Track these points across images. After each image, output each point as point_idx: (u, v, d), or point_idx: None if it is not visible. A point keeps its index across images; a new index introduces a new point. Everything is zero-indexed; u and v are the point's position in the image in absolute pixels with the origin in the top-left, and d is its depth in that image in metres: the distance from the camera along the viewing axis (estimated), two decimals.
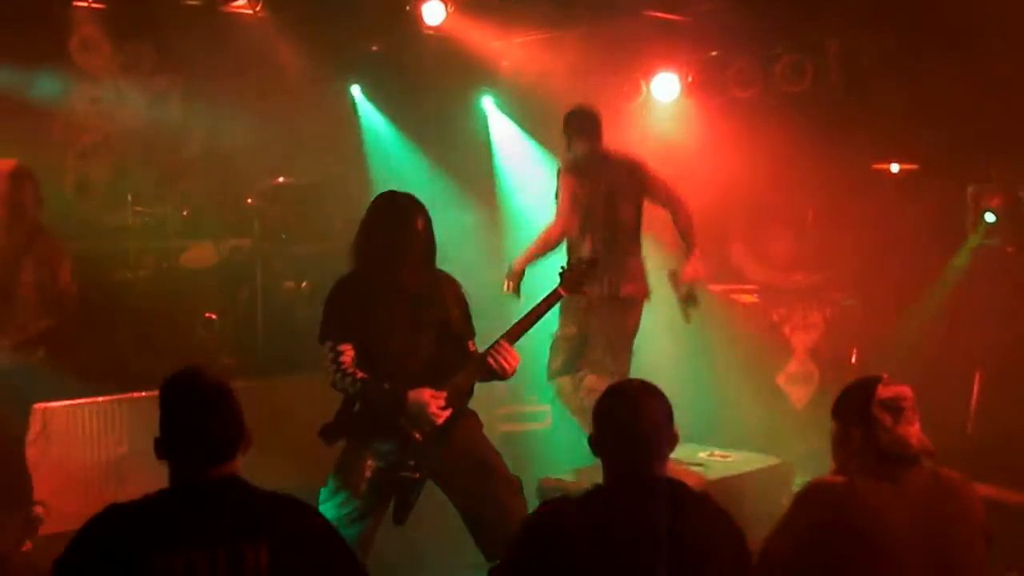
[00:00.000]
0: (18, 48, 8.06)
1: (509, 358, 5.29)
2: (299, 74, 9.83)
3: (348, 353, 5.23)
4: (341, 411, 5.36)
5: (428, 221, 5.38)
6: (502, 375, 5.34)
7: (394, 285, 5.32)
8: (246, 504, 3.25)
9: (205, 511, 3.19)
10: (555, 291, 5.49)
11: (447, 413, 5.25)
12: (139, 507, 3.19)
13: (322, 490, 5.27)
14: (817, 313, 8.44)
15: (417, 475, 5.22)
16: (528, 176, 10.19)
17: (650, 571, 3.14)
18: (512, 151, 10.64)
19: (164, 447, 3.28)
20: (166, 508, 3.19)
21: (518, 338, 5.39)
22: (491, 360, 5.28)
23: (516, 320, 5.46)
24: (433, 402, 5.21)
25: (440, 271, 5.53)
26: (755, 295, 8.48)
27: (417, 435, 5.22)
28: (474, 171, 10.39)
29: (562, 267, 5.57)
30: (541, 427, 9.21)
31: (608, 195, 7.43)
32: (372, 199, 5.49)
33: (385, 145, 10.61)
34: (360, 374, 5.21)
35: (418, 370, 5.31)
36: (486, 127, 10.79)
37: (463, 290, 5.58)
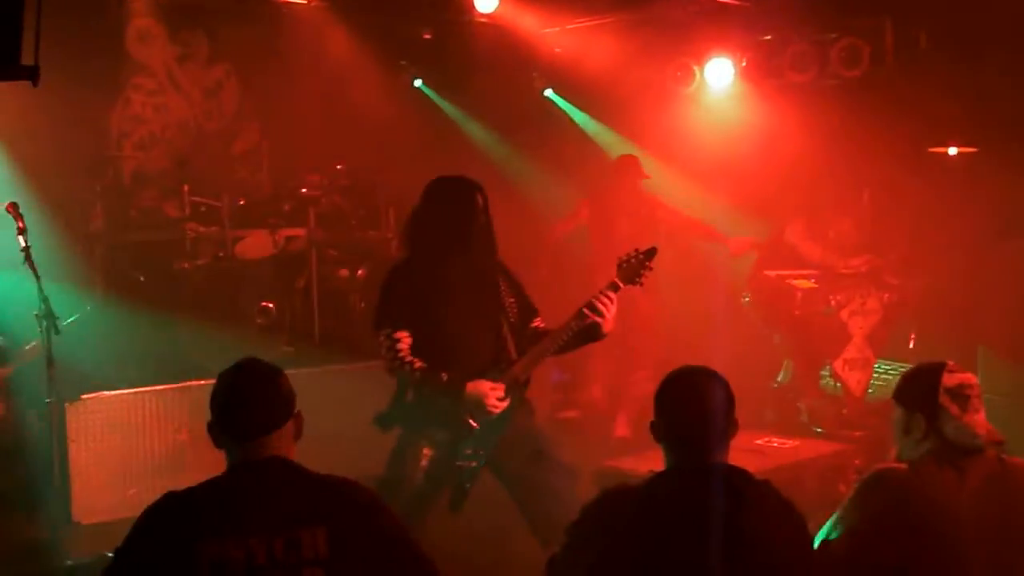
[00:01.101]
0: (75, 40, 8.12)
1: (611, 306, 5.24)
2: (352, 62, 9.87)
3: (405, 340, 5.22)
4: (396, 398, 5.34)
5: (486, 204, 5.33)
6: (601, 327, 5.26)
7: (452, 272, 5.30)
8: (304, 488, 3.25)
9: (262, 496, 3.20)
10: (612, 282, 5.42)
11: (505, 404, 5.23)
12: (196, 494, 3.20)
13: (379, 478, 5.27)
14: (875, 298, 8.36)
15: (474, 464, 5.23)
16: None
17: (711, 560, 3.12)
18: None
19: (213, 432, 3.32)
20: (223, 494, 3.21)
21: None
22: (598, 305, 5.20)
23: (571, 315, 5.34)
24: (492, 393, 5.19)
25: (495, 257, 5.48)
26: (812, 280, 8.41)
27: (474, 424, 5.23)
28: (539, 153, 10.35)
29: (619, 258, 5.52)
30: (594, 413, 9.21)
31: None
32: (427, 184, 5.46)
33: (441, 133, 10.61)
34: (418, 363, 5.20)
35: (476, 359, 5.29)
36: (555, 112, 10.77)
37: (513, 274, 5.54)
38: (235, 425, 3.28)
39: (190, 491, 3.21)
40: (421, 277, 5.32)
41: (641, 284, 5.44)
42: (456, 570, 3.68)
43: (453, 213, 5.31)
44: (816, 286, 8.37)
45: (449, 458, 5.23)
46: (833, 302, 8.29)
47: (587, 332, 5.28)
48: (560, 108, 10.71)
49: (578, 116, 10.64)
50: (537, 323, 5.49)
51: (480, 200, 5.32)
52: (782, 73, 9.19)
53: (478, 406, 5.19)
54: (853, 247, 8.55)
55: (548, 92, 10.71)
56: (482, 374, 5.24)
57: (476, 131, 10.67)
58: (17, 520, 6.06)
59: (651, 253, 5.44)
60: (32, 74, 3.62)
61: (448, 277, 5.30)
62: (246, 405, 3.28)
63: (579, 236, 9.22)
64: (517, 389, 5.32)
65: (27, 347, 6.57)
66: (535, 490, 5.24)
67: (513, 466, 5.29)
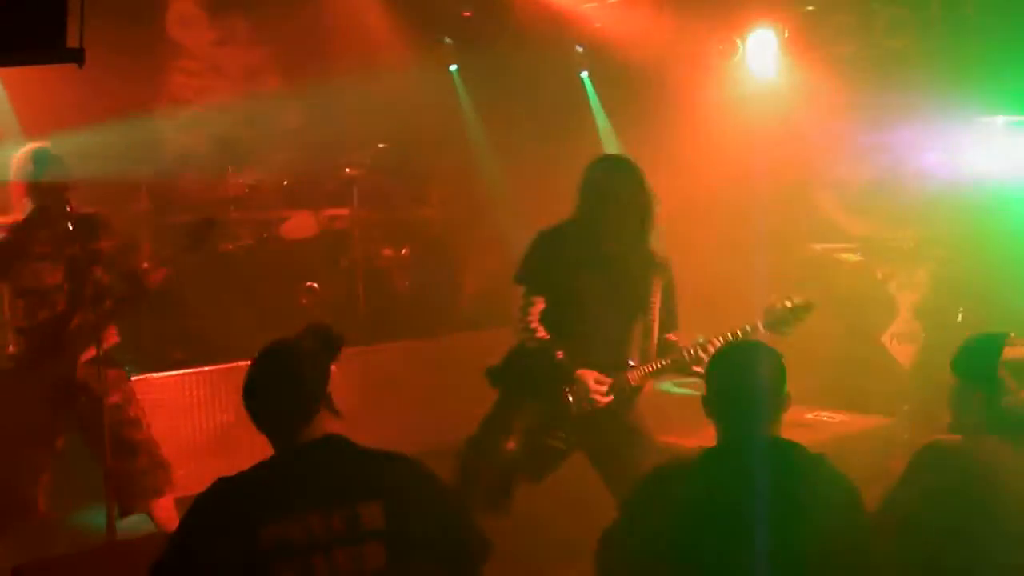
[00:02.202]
0: (117, 24, 8.15)
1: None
2: (394, 42, 9.86)
3: (538, 306, 5.21)
4: (510, 359, 5.35)
5: (644, 193, 5.24)
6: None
7: (600, 254, 5.22)
8: (358, 464, 3.24)
9: (316, 474, 3.18)
10: (754, 324, 5.25)
11: (608, 400, 5.19)
12: (249, 478, 3.18)
13: (470, 440, 5.29)
14: (923, 271, 8.28)
15: (563, 447, 5.23)
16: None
17: (765, 534, 3.10)
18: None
19: (252, 416, 3.30)
20: (277, 476, 3.19)
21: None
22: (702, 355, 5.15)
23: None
24: (596, 387, 5.16)
25: (657, 253, 5.39)
26: (859, 253, 8.34)
27: (574, 411, 5.19)
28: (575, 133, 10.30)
29: (770, 303, 5.33)
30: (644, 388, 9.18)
31: None
32: (592, 161, 5.38)
33: (483, 112, 10.59)
34: (541, 331, 5.17)
35: (599, 347, 5.24)
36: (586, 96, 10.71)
37: (673, 280, 5.44)
38: (264, 422, 3.27)
39: (243, 475, 3.18)
40: (570, 249, 5.25)
41: (786, 335, 5.25)
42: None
43: (604, 195, 5.21)
44: (862, 259, 8.30)
45: (541, 434, 5.23)
46: (880, 275, 8.22)
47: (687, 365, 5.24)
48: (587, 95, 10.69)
49: (597, 109, 10.59)
50: (671, 336, 5.39)
51: (633, 184, 5.22)
52: (825, 44, 9.09)
53: (581, 394, 5.17)
54: (897, 218, 8.47)
55: (583, 75, 10.66)
56: (598, 366, 5.18)
57: (515, 110, 10.64)
58: (66, 501, 6.09)
59: (809, 307, 5.29)
60: (78, 56, 3.63)
61: (595, 259, 5.23)
62: (270, 403, 3.27)
63: None
64: (626, 390, 5.26)
65: None
66: (627, 469, 5.13)
67: (604, 443, 5.26)
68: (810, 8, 9.22)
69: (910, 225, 8.42)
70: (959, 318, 8.27)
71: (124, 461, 5.94)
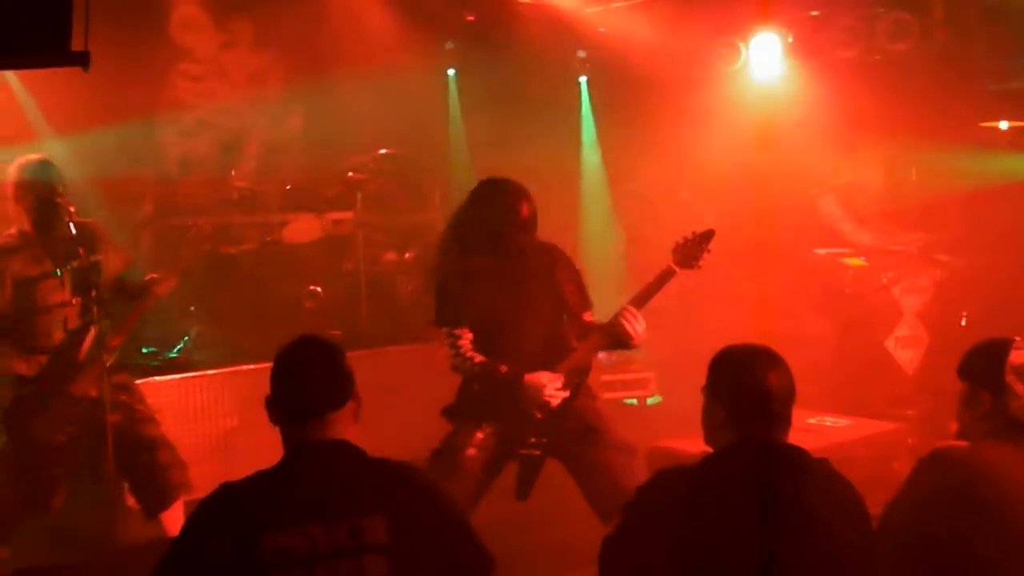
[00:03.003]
0: (120, 27, 8.15)
1: (636, 323, 5.20)
2: (397, 47, 9.86)
3: (465, 337, 5.32)
4: (461, 390, 5.44)
5: (532, 204, 5.36)
6: (630, 342, 5.26)
7: (503, 267, 5.34)
8: (364, 474, 3.20)
9: (321, 483, 3.15)
10: (668, 267, 5.31)
11: (564, 394, 5.27)
12: (253, 483, 3.15)
13: (431, 461, 5.31)
14: (926, 275, 8.28)
15: (537, 452, 5.27)
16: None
17: (770, 539, 3.09)
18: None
19: (271, 407, 3.28)
20: (281, 482, 3.15)
21: (640, 307, 5.27)
22: (622, 324, 5.17)
23: (632, 294, 5.31)
24: (549, 384, 5.24)
25: (550, 244, 5.52)
26: (863, 258, 8.33)
27: (538, 414, 5.25)
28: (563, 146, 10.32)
29: (676, 241, 5.43)
30: (645, 394, 9.20)
31: None
32: (474, 185, 5.52)
33: (480, 119, 10.58)
34: (478, 357, 5.30)
35: (536, 349, 5.33)
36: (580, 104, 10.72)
37: (572, 262, 5.58)
38: (296, 401, 3.24)
39: (247, 481, 3.16)
40: (474, 273, 5.37)
41: (699, 267, 5.37)
42: None
43: (498, 214, 5.33)
44: (866, 264, 8.29)
45: (512, 447, 5.30)
46: (884, 279, 8.21)
47: (619, 338, 5.28)
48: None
49: (587, 115, 10.61)
50: (587, 316, 5.49)
51: (523, 199, 5.34)
52: (829, 48, 9.08)
53: (537, 396, 5.23)
54: (897, 223, 8.47)
55: (581, 80, 10.67)
56: (543, 364, 5.27)
57: (516, 117, 10.64)
58: (69, 504, 6.09)
59: (708, 235, 5.36)
60: (83, 60, 3.61)
61: (500, 272, 5.34)
62: (308, 381, 3.25)
63: None
64: (579, 375, 5.35)
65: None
66: (593, 468, 5.25)
67: (572, 446, 5.31)
68: (814, 12, 9.21)
69: (914, 230, 8.42)
70: (963, 322, 8.28)
71: (145, 458, 5.95)
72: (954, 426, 3.74)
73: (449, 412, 5.44)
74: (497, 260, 5.35)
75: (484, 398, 5.34)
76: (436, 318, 5.44)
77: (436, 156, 10.10)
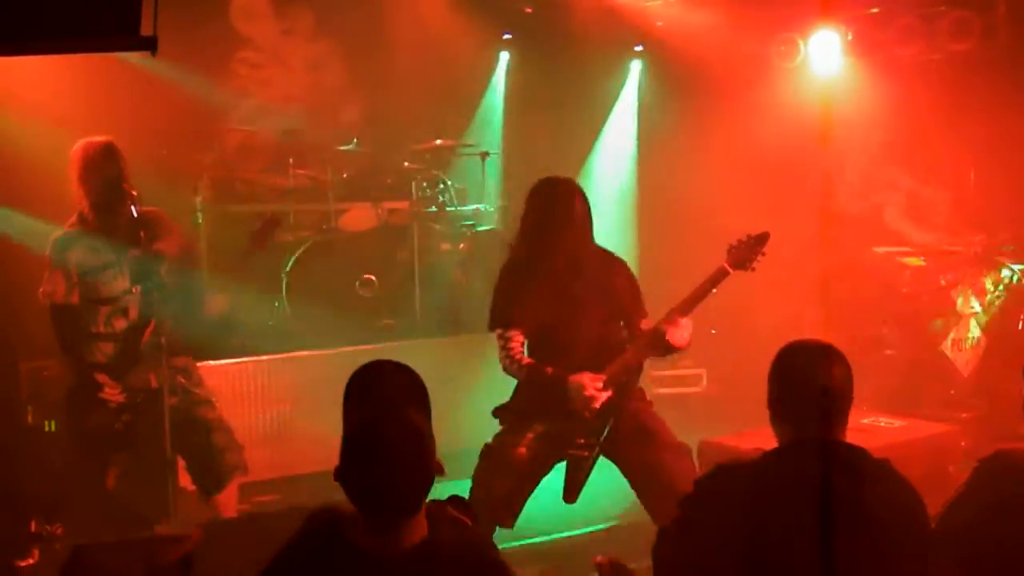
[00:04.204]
0: (182, 16, 8.22)
1: (680, 330, 5.30)
2: (455, 37, 9.89)
3: (516, 339, 5.40)
4: (517, 390, 5.54)
5: (586, 204, 5.47)
6: (674, 348, 5.37)
7: (559, 269, 5.40)
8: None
9: None
10: (721, 267, 5.40)
11: (607, 394, 5.31)
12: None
13: (481, 457, 5.40)
14: (986, 277, 8.19)
15: (585, 453, 5.30)
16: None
17: (829, 537, 3.08)
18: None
19: (342, 481, 2.95)
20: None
21: (687, 312, 5.36)
22: (665, 331, 5.27)
23: (684, 297, 5.39)
24: (590, 384, 5.29)
25: (607, 251, 5.59)
26: (922, 258, 8.27)
27: (586, 414, 5.28)
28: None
29: (731, 243, 5.48)
30: (696, 390, 9.18)
31: None
32: (532, 185, 5.58)
33: (536, 108, 10.58)
34: (526, 360, 5.38)
35: (588, 352, 5.39)
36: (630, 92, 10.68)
37: (630, 270, 5.64)
38: (369, 510, 2.92)
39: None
40: (530, 276, 5.45)
41: (753, 270, 5.41)
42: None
43: (554, 215, 5.41)
44: (925, 264, 8.22)
45: (560, 448, 5.34)
46: (943, 280, 8.14)
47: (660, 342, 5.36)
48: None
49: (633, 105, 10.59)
50: (644, 324, 5.52)
51: (577, 198, 5.45)
52: (888, 47, 9.01)
53: (579, 396, 5.26)
54: (957, 224, 8.39)
55: (632, 64, 10.63)
56: (593, 367, 5.32)
57: (574, 107, 10.63)
58: (125, 483, 6.16)
59: (763, 238, 5.42)
60: (151, 44, 3.67)
61: (555, 274, 5.40)
62: (384, 486, 2.89)
63: None
64: (626, 374, 5.40)
65: None
66: (646, 469, 5.29)
67: (626, 448, 5.35)
68: (874, 10, 9.14)
69: (975, 231, 8.33)
70: (1020, 326, 8.19)
71: (201, 440, 6.01)
72: (1011, 428, 3.71)
73: (501, 411, 5.52)
74: (552, 261, 5.40)
75: (534, 399, 5.41)
76: (489, 320, 5.53)
77: (491, 146, 10.10)
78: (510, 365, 5.42)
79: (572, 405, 5.30)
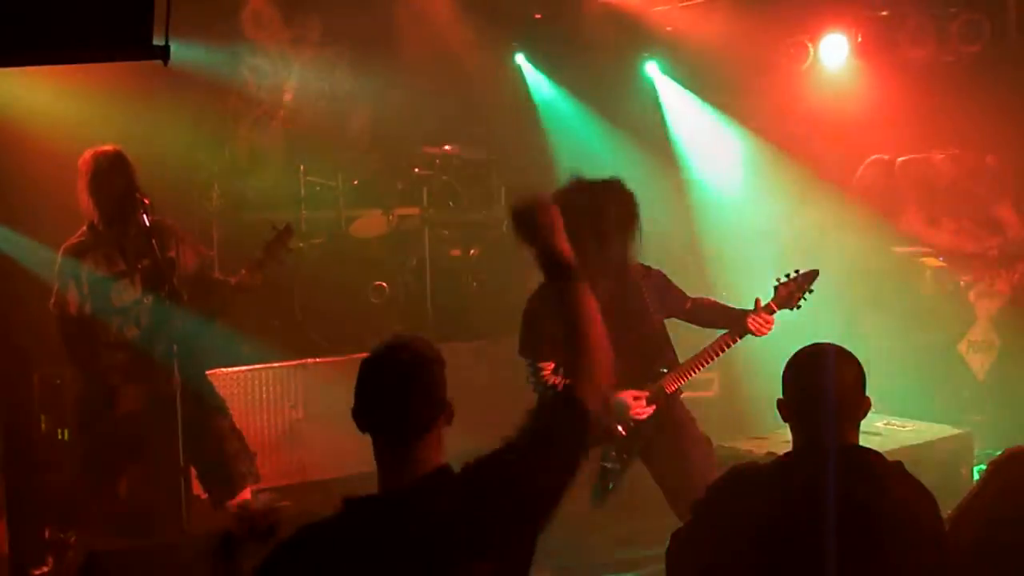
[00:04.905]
0: (192, 23, 8.25)
1: (765, 330, 5.36)
2: (464, 43, 9.90)
3: (547, 368, 5.28)
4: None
5: (625, 207, 5.25)
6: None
7: (593, 288, 5.29)
8: (462, 515, 2.91)
9: (415, 528, 2.86)
10: (768, 306, 5.40)
11: (650, 411, 5.32)
12: (334, 530, 2.90)
13: None
14: (1004, 280, 8.13)
15: (618, 467, 5.37)
16: (701, 140, 10.09)
17: (843, 539, 3.08)
18: (681, 116, 10.47)
19: (357, 421, 3.02)
20: (366, 529, 2.88)
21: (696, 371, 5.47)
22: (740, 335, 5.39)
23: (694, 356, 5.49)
24: (635, 404, 5.30)
25: (638, 264, 5.45)
26: (941, 258, 8.22)
27: (622, 431, 5.30)
28: (647, 137, 10.22)
29: (777, 279, 5.47)
30: (709, 394, 9.16)
31: None
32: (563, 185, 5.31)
33: (550, 112, 10.57)
34: (560, 383, 5.24)
35: (624, 369, 5.27)
36: (654, 93, 10.61)
37: (663, 276, 5.55)
38: (373, 429, 2.98)
39: (328, 525, 2.91)
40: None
41: (798, 308, 5.39)
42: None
43: (584, 230, 5.02)
44: (946, 265, 8.19)
45: (597, 461, 5.35)
46: (962, 282, 8.10)
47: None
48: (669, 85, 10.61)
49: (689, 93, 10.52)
50: (688, 305, 5.54)
51: (612, 210, 5.22)
52: (899, 49, 8.98)
53: (623, 415, 5.28)
54: (973, 227, 8.35)
55: (648, 67, 10.59)
56: (629, 385, 5.29)
57: (586, 109, 10.62)
58: (138, 490, 6.18)
59: (812, 276, 5.41)
60: (163, 53, 3.68)
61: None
62: (383, 410, 2.97)
63: None
64: (663, 397, 5.39)
65: None
66: (672, 459, 5.32)
67: (656, 449, 5.39)
68: (884, 12, 9.12)
69: (994, 233, 8.28)
70: None
71: (213, 447, 6.01)
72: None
73: None
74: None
75: None
76: (519, 346, 5.40)
77: (502, 153, 10.10)
78: (543, 391, 5.28)
79: (611, 423, 5.30)
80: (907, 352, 8.26)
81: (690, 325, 5.71)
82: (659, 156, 9.99)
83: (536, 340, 5.31)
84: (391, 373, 2.99)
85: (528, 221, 3.36)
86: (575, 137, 10.08)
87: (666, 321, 5.57)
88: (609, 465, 5.34)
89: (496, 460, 3.05)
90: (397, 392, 2.97)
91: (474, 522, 2.91)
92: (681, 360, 5.50)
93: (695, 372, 5.45)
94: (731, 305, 5.60)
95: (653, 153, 9.93)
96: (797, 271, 5.42)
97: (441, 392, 3.03)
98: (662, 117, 10.45)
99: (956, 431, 7.00)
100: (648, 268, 5.52)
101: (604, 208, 5.18)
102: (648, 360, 5.40)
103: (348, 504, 2.93)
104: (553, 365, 5.30)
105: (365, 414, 2.99)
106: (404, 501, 2.91)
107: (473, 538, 2.90)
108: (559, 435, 3.11)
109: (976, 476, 6.23)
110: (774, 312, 5.37)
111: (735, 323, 5.38)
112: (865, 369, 3.37)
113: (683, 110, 10.38)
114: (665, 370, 5.41)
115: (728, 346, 5.41)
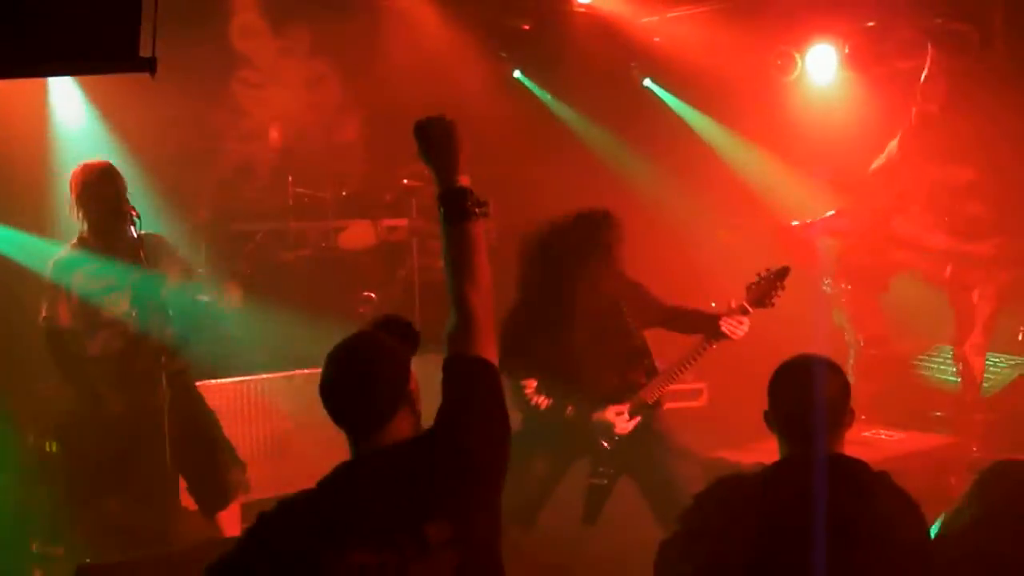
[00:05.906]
0: (180, 34, 8.24)
1: (738, 332, 5.38)
2: (452, 54, 9.90)
3: (530, 386, 5.32)
4: (527, 421, 5.42)
5: (611, 231, 5.35)
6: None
7: (569, 306, 5.35)
8: (425, 477, 3.02)
9: (382, 493, 2.99)
10: (740, 306, 5.42)
11: (633, 424, 5.33)
12: (312, 500, 3.02)
13: None
14: (992, 285, 8.13)
15: (605, 482, 5.40)
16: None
17: (829, 550, 3.09)
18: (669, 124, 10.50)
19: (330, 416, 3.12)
20: (340, 496, 3.00)
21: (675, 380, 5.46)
22: (715, 338, 5.39)
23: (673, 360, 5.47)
24: (618, 419, 5.32)
25: (617, 276, 5.47)
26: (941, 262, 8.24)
27: (605, 444, 5.30)
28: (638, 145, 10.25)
29: (750, 280, 5.50)
30: (696, 404, 9.18)
31: None
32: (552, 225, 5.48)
33: (538, 123, 10.58)
34: (543, 402, 5.31)
35: (604, 386, 5.39)
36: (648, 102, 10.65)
37: (627, 279, 5.53)
38: (339, 423, 3.11)
39: (307, 496, 3.03)
40: (538, 317, 5.38)
41: (772, 306, 5.41)
42: (527, 569, 3.65)
43: (559, 252, 5.36)
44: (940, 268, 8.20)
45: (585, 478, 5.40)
46: (960, 286, 8.09)
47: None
48: (660, 99, 10.61)
49: (679, 107, 10.52)
50: (666, 304, 5.57)
51: (589, 230, 5.33)
52: (886, 60, 9.00)
53: (606, 431, 5.31)
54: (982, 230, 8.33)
55: (647, 82, 10.60)
56: (610, 399, 5.32)
57: (575, 122, 10.63)
58: (127, 503, 6.17)
59: (783, 273, 5.40)
60: (150, 66, 3.68)
61: (565, 312, 5.35)
62: (345, 403, 3.10)
63: None
64: (646, 408, 5.40)
65: None
66: (654, 472, 5.34)
67: (640, 461, 5.40)
68: (871, 23, 9.14)
69: (987, 238, 8.28)
70: (1020, 337, 8.16)
71: (203, 458, 6.00)
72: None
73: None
74: (558, 300, 5.36)
75: (553, 430, 5.36)
76: (499, 363, 5.40)
77: (490, 165, 10.08)
78: (526, 407, 5.33)
79: (595, 439, 5.34)
80: (900, 359, 8.29)
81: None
82: (654, 164, 10.03)
83: (517, 357, 5.29)
84: (345, 371, 3.13)
85: (429, 136, 3.51)
86: (565, 148, 10.10)
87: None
88: (597, 481, 5.35)
89: (437, 425, 3.16)
90: (352, 389, 3.10)
91: (419, 483, 3.02)
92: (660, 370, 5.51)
93: (673, 380, 5.45)
94: (707, 311, 5.61)
95: (645, 160, 9.99)
96: (768, 270, 5.43)
97: (400, 384, 3.16)
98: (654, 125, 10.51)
99: (944, 440, 7.04)
100: (627, 279, 5.54)
101: (587, 236, 5.31)
102: (629, 374, 5.44)
103: (320, 481, 3.05)
104: (536, 383, 5.32)
105: (329, 410, 3.11)
106: (360, 466, 3.06)
107: (423, 498, 3.00)
108: (475, 395, 3.28)
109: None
110: (747, 312, 5.37)
111: (709, 327, 5.37)
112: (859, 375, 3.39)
113: (672, 119, 10.41)
114: (644, 381, 5.43)
115: (703, 351, 5.40)
